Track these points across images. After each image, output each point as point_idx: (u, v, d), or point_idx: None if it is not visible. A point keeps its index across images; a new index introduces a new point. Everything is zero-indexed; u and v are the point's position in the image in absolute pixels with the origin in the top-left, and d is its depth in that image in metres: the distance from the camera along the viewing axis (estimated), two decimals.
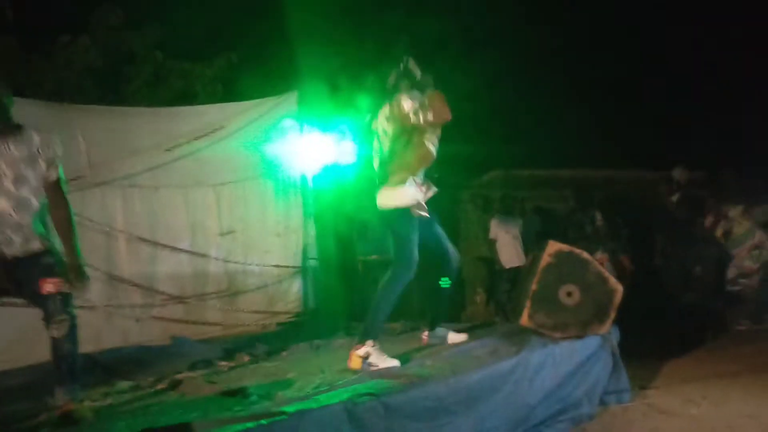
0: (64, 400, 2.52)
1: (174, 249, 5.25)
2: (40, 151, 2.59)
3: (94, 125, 5.05)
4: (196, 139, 5.33)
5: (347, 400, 2.47)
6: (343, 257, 6.07)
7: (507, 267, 6.42)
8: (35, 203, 2.59)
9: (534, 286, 3.63)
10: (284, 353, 4.12)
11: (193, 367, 3.74)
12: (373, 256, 5.91)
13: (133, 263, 5.12)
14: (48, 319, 2.54)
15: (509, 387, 3.01)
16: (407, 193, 3.24)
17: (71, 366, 2.57)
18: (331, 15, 7.12)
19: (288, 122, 5.67)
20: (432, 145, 3.35)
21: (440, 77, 3.46)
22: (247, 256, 5.58)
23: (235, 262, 5.52)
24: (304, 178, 5.82)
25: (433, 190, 3.42)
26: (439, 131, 3.40)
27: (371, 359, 3.12)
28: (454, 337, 3.67)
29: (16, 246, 2.54)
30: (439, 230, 3.54)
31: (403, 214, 3.26)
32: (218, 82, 7.02)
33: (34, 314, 2.64)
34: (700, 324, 5.82)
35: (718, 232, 6.54)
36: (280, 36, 6.89)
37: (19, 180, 2.54)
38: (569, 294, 3.60)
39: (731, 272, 6.45)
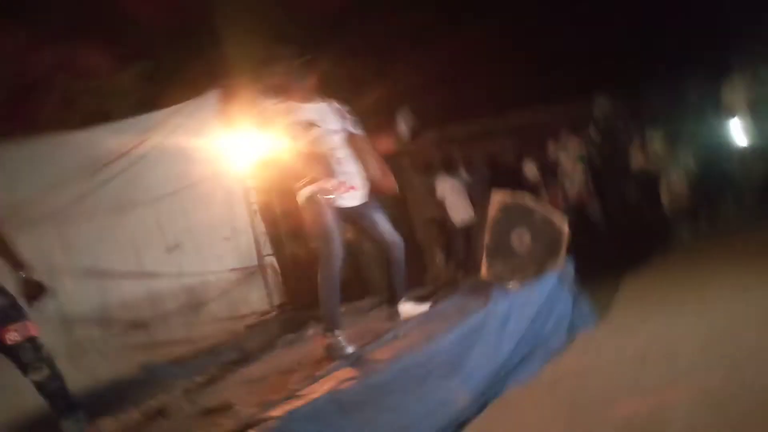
0: (78, 428, 2.45)
1: (122, 275, 5.08)
2: None
3: (5, 162, 4.76)
4: (121, 157, 5.12)
5: (332, 389, 2.51)
6: (297, 248, 6.03)
7: (459, 223, 6.56)
8: None
9: (487, 240, 3.74)
10: (258, 355, 4.11)
11: (170, 390, 3.68)
12: None
13: (83, 298, 4.93)
14: (24, 368, 2.43)
15: (483, 339, 3.11)
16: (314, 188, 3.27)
17: (65, 398, 2.49)
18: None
19: (214, 121, 5.52)
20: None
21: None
22: (200, 266, 5.47)
23: (189, 275, 5.40)
24: (241, 174, 5.71)
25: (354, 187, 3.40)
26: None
27: (334, 349, 3.14)
28: (415, 309, 3.71)
29: None
30: (374, 216, 3.54)
31: (311, 205, 3.29)
32: (132, 95, 6.73)
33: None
34: (646, 241, 6.15)
35: (641, 157, 6.84)
36: (196, 36, 6.64)
37: None
38: (520, 239, 3.73)
39: (664, 196, 6.81)
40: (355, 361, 2.94)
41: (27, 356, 2.42)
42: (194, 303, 5.36)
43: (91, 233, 5.04)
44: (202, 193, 5.54)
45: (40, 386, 2.46)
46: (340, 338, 3.17)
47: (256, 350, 4.23)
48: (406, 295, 3.85)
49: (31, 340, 2.46)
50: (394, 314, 3.69)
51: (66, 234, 4.96)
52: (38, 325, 2.62)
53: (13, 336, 2.40)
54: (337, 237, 3.27)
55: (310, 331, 4.31)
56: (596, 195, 6.79)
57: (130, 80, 6.73)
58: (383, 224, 3.56)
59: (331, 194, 3.26)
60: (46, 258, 4.79)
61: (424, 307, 3.71)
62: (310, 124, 3.28)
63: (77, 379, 4.47)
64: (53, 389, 2.47)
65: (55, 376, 2.48)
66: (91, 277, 4.96)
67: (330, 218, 3.27)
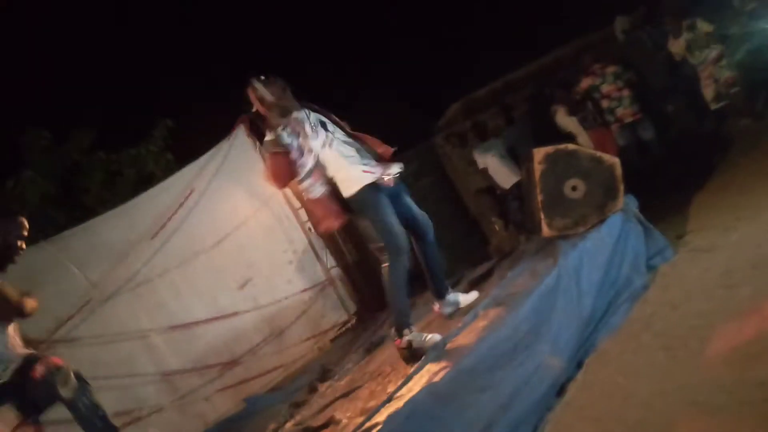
0: None
1: (205, 322, 5.32)
2: None
3: (78, 248, 5.08)
4: (174, 214, 5.35)
5: (426, 383, 2.54)
6: (357, 252, 6.12)
7: (508, 187, 6.47)
8: None
9: (539, 197, 3.66)
10: (349, 365, 4.20)
11: (276, 417, 3.82)
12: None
13: (176, 352, 5.21)
14: (56, 392, 2.62)
15: (562, 298, 3.06)
16: (359, 176, 3.17)
17: (102, 418, 2.64)
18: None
19: (247, 156, 5.66)
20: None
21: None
22: (273, 295, 5.65)
23: (266, 306, 5.58)
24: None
25: (392, 168, 3.30)
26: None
27: (415, 345, 3.07)
28: (467, 298, 3.63)
29: None
30: (406, 199, 3.45)
31: (366, 196, 3.16)
32: (167, 153, 7.00)
33: None
34: (703, 152, 5.86)
35: (680, 48, 6.46)
36: (207, 80, 6.84)
37: None
38: (574, 188, 3.63)
39: (709, 91, 6.46)
40: (441, 350, 2.96)
41: (55, 380, 2.61)
42: (277, 330, 5.54)
43: (166, 291, 5.32)
44: (255, 226, 5.72)
45: (72, 405, 2.61)
46: (412, 336, 3.09)
47: (346, 361, 4.32)
48: (453, 282, 3.79)
49: (57, 369, 2.63)
50: (449, 305, 3.58)
51: (145, 297, 5.25)
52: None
53: (39, 371, 2.58)
54: (401, 227, 3.17)
55: (392, 331, 4.36)
56: (645, 112, 6.51)
57: (163, 139, 6.99)
58: (414, 205, 3.48)
59: (389, 174, 3.18)
60: (133, 324, 5.11)
61: (472, 296, 3.61)
62: (313, 130, 3.15)
63: (188, 428, 4.78)
64: (86, 406, 2.62)
65: (84, 390, 2.63)
66: (177, 331, 5.23)
67: (389, 209, 3.17)
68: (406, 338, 3.09)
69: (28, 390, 2.70)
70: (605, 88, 6.34)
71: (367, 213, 3.21)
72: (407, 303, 3.26)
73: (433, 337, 3.08)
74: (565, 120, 6.85)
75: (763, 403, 1.97)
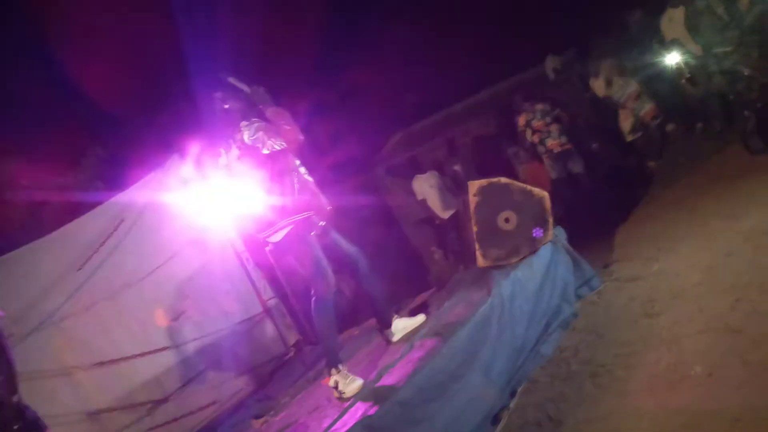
0: None
1: (135, 357, 5.09)
2: None
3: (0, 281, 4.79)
4: (102, 245, 5.14)
5: (362, 416, 2.53)
6: (296, 283, 6.04)
7: (446, 218, 6.61)
8: None
9: (474, 228, 3.76)
10: (286, 399, 4.12)
11: None
12: None
13: (103, 389, 4.94)
14: None
15: (495, 328, 3.13)
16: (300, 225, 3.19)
17: None
18: None
19: (182, 186, 5.52)
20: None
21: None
22: (209, 327, 5.47)
23: (200, 338, 5.40)
24: (223, 228, 5.72)
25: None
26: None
27: (339, 388, 3.06)
28: (414, 321, 3.65)
29: None
30: (335, 236, 3.44)
31: (295, 236, 3.17)
32: (98, 181, 6.75)
33: None
34: (622, 185, 6.20)
35: (600, 86, 6.88)
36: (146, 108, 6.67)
37: None
38: (507, 220, 3.75)
39: (627, 124, 6.87)
40: (376, 384, 2.95)
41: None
42: (212, 364, 5.36)
43: (93, 325, 5.07)
44: (190, 257, 5.55)
45: None
46: (339, 375, 3.08)
47: (284, 395, 4.23)
48: (396, 310, 3.81)
49: None
50: (397, 331, 3.58)
51: (68, 332, 4.98)
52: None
53: None
54: (328, 267, 3.21)
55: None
56: (574, 146, 6.84)
57: (90, 169, 6.75)
58: (342, 238, 3.44)
59: (321, 222, 3.20)
60: (56, 360, 4.82)
61: (419, 319, 3.62)
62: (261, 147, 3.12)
63: None
64: None
65: None
66: (104, 367, 4.97)
67: (317, 249, 3.20)
68: (333, 377, 3.11)
69: None
70: (535, 124, 6.65)
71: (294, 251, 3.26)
72: (336, 340, 3.26)
73: (356, 383, 3.07)
74: (505, 148, 7.10)
75: (682, 430, 2.07)
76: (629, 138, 6.72)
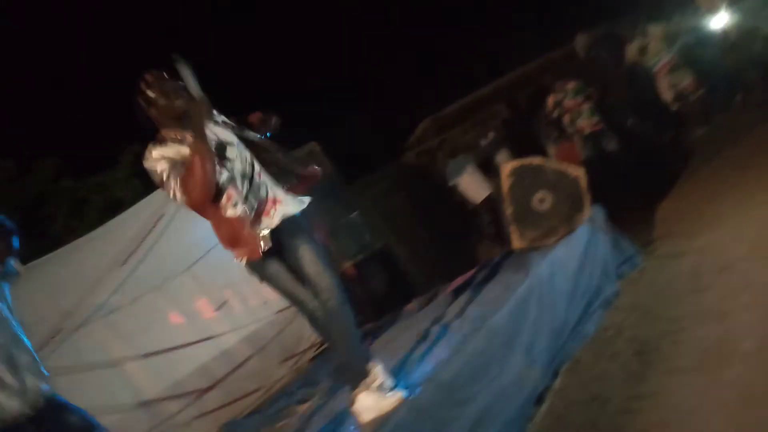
0: None
1: (180, 347, 5.23)
2: None
3: (47, 278, 4.96)
4: (142, 241, 5.27)
5: (407, 398, 2.55)
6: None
7: (479, 201, 6.56)
8: None
9: (509, 210, 3.74)
10: (324, 385, 4.17)
11: None
12: (359, 256, 5.99)
13: (151, 379, 5.10)
14: None
15: (535, 309, 3.11)
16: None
17: None
18: None
19: None
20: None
21: None
22: (250, 316, 5.59)
23: (243, 327, 5.53)
24: None
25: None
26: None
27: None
28: (379, 404, 2.47)
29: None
30: (299, 247, 2.52)
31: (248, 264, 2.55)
32: (134, 178, 6.92)
33: None
34: (661, 161, 6.05)
35: (632, 53, 6.70)
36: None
37: None
38: (542, 200, 3.72)
39: (667, 94, 6.69)
40: (414, 368, 2.96)
41: None
42: (255, 352, 5.48)
43: (140, 317, 5.22)
44: None
45: None
46: (378, 379, 2.52)
47: (324, 381, 4.29)
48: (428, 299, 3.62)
49: None
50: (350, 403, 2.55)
51: (118, 325, 5.14)
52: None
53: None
54: (304, 293, 2.53)
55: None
56: (607, 124, 6.71)
57: (130, 164, 6.91)
58: (310, 258, 2.50)
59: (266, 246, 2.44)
60: (106, 352, 4.99)
61: (391, 399, 2.46)
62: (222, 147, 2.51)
63: None
64: None
65: None
66: (152, 357, 5.12)
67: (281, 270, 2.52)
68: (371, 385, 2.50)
69: None
70: (567, 103, 6.53)
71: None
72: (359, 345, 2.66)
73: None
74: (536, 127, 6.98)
75: (735, 402, 2.04)
76: (673, 108, 6.55)
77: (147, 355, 5.10)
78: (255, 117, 2.76)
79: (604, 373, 2.75)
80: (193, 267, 5.49)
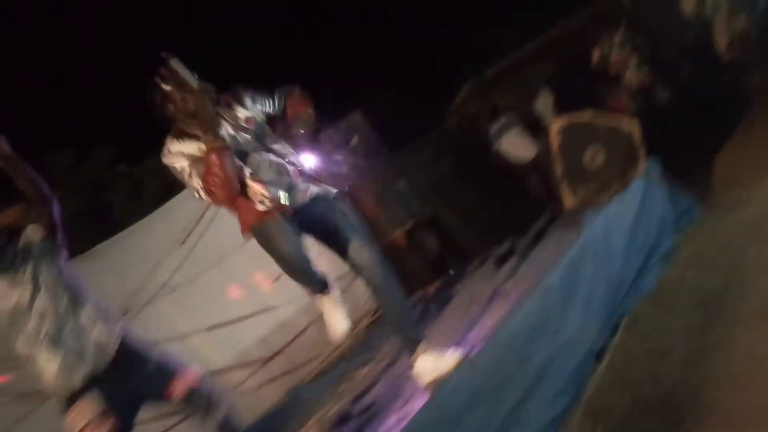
0: None
1: (243, 319, 5.45)
2: None
3: (111, 260, 5.22)
4: (199, 219, 5.46)
5: (465, 358, 2.60)
6: (384, 236, 6.14)
7: (526, 162, 6.44)
8: None
9: (560, 168, 3.69)
10: (386, 348, 4.28)
11: (322, 407, 3.92)
12: (408, 224, 6.03)
13: (217, 352, 5.35)
14: (203, 414, 2.53)
15: (590, 265, 3.09)
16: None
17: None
18: None
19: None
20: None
21: None
22: None
23: (302, 296, 5.67)
24: None
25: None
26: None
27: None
28: (437, 365, 2.54)
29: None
30: (337, 222, 2.61)
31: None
32: None
33: None
34: (721, 110, 5.77)
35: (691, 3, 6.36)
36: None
37: None
38: (593, 156, 3.65)
39: (723, 41, 6.33)
40: (471, 330, 3.01)
41: (199, 402, 2.58)
42: (313, 320, 5.64)
43: (201, 293, 5.45)
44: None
45: (224, 427, 2.60)
46: (425, 351, 2.57)
47: (384, 346, 4.40)
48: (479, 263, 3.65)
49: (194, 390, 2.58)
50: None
51: (180, 301, 5.38)
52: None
53: (177, 393, 2.54)
54: (305, 259, 2.59)
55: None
56: (658, 74, 6.43)
57: None
58: (351, 235, 2.57)
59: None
60: (170, 330, 5.25)
61: (450, 360, 2.52)
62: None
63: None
64: (235, 425, 2.65)
65: (232, 409, 2.67)
66: (216, 330, 5.36)
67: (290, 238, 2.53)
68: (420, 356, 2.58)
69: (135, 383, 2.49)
70: (613, 56, 6.29)
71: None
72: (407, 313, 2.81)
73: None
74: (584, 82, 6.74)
75: None
76: (727, 56, 6.21)
77: (210, 329, 5.34)
78: (294, 110, 2.66)
79: (665, 326, 2.72)
80: (247, 244, 5.65)
